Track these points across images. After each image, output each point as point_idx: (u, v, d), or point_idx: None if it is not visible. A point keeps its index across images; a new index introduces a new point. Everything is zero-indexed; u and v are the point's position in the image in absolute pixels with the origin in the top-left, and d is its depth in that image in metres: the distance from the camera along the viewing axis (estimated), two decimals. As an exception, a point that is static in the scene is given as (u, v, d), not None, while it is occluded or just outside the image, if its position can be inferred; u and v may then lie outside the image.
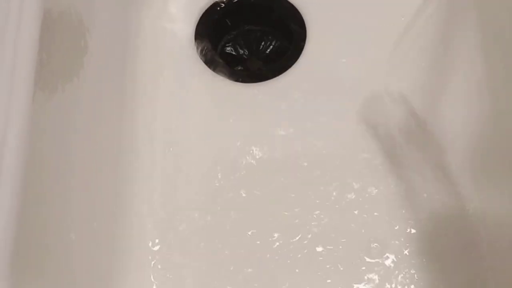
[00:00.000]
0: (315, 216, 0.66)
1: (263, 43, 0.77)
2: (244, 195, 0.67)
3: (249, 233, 0.66)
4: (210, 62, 0.73)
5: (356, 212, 0.66)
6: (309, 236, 0.65)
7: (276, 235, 0.65)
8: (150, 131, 0.69)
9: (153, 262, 0.64)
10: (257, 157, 0.69)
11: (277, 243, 0.65)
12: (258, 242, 0.65)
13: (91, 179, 0.62)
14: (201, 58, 0.73)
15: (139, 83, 0.71)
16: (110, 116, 0.67)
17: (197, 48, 0.74)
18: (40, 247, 0.51)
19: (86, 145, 0.61)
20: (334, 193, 0.67)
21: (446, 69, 0.70)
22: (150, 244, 0.65)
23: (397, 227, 0.65)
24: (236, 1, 0.76)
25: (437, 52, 0.71)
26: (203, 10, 0.76)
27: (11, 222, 0.45)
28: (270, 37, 0.77)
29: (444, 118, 0.68)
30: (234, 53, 0.77)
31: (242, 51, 0.77)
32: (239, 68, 0.76)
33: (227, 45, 0.77)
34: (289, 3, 0.75)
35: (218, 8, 0.76)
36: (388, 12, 0.74)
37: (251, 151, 0.69)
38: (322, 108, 0.71)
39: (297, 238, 0.65)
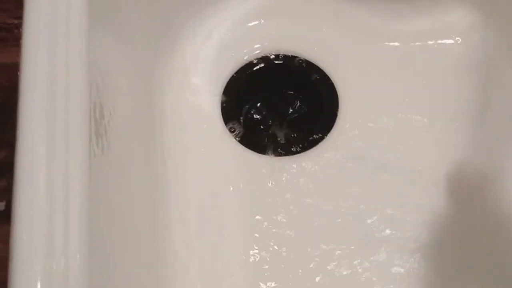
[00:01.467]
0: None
1: (291, 109, 0.74)
2: (282, 266, 0.64)
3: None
4: (236, 132, 0.70)
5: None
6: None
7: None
8: (184, 215, 0.65)
9: None
10: (289, 233, 0.65)
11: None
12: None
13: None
14: (228, 129, 0.70)
15: (168, 165, 0.67)
16: (140, 203, 0.63)
17: (224, 119, 0.70)
18: None
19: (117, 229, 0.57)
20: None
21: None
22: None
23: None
24: (264, 66, 0.73)
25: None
26: (228, 78, 0.72)
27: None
28: (298, 103, 0.74)
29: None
30: (259, 118, 0.73)
31: (268, 117, 0.73)
32: (265, 134, 0.72)
33: (253, 110, 0.74)
34: (320, 69, 0.72)
35: (247, 72, 0.73)
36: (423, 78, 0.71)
37: (282, 225, 0.65)
38: (355, 183, 0.67)
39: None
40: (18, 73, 0.45)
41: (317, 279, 0.63)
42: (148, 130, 0.67)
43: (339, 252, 0.64)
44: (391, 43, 0.73)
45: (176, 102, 0.70)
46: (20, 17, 0.46)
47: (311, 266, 0.64)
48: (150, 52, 0.70)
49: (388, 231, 0.65)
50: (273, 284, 0.63)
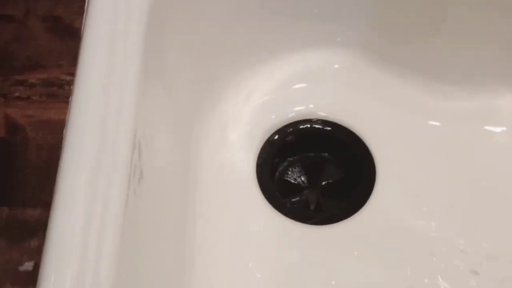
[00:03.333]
0: None
1: (325, 174, 0.72)
2: None
3: None
4: (270, 196, 0.69)
5: None
6: None
7: None
8: (210, 279, 0.64)
9: None
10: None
11: None
12: None
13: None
14: (262, 193, 0.69)
15: (198, 224, 0.66)
16: (167, 259, 0.62)
17: (258, 181, 0.69)
18: None
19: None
20: None
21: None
22: None
23: None
24: (302, 128, 0.72)
25: None
26: (264, 139, 0.72)
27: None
28: (333, 168, 0.73)
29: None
30: (293, 181, 0.72)
31: (301, 181, 0.72)
32: (297, 199, 0.71)
33: (287, 173, 0.73)
34: (357, 136, 0.71)
35: (282, 136, 0.72)
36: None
37: None
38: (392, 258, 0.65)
39: None
40: (64, 131, 0.45)
41: None
42: (181, 186, 0.66)
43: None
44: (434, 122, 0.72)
45: (212, 159, 0.70)
46: (73, 73, 0.46)
47: None
48: (191, 107, 0.69)
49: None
50: None
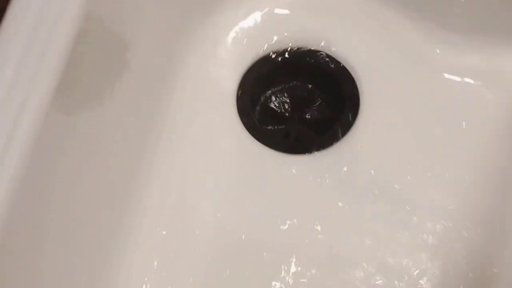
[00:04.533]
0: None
1: (309, 104, 0.70)
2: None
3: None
4: (247, 119, 0.67)
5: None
6: None
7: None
8: (165, 183, 0.63)
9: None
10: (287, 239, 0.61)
11: None
12: None
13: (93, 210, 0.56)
14: (239, 114, 0.67)
15: (167, 126, 0.65)
16: (125, 154, 0.61)
17: (237, 100, 0.68)
18: None
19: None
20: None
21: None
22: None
23: None
24: (289, 56, 0.70)
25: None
26: (254, 60, 0.70)
27: None
28: (317, 98, 0.70)
29: None
30: (276, 109, 0.70)
31: (284, 110, 0.70)
32: (279, 128, 0.69)
33: (270, 100, 0.71)
34: (349, 73, 0.68)
35: (270, 59, 0.69)
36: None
37: (278, 230, 0.62)
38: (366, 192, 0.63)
39: None
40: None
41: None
42: (160, 86, 0.65)
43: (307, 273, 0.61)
44: (432, 70, 0.69)
45: (197, 69, 0.68)
46: None
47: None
48: (185, 14, 0.68)
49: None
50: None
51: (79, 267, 0.55)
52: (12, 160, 0.42)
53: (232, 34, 0.70)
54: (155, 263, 0.60)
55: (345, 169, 0.65)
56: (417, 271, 0.61)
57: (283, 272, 0.60)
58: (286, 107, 0.70)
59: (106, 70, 0.56)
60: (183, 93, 0.66)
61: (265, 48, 0.69)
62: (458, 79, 0.69)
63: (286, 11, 0.70)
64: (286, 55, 0.69)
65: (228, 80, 0.68)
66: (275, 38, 0.69)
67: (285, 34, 0.69)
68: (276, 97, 0.70)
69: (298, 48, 0.70)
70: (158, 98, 0.65)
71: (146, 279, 0.59)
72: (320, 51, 0.70)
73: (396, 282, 0.60)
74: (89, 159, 0.55)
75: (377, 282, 0.60)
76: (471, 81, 0.68)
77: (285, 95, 0.70)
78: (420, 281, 0.60)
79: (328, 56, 0.69)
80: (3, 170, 0.42)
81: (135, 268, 0.59)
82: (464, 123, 0.66)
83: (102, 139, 0.56)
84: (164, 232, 0.61)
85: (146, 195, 0.61)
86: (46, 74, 0.44)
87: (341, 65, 0.68)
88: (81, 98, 0.51)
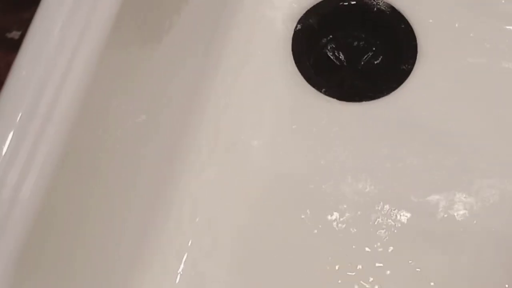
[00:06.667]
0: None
1: (365, 55, 0.69)
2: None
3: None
4: (302, 64, 0.66)
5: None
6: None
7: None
8: (216, 127, 0.63)
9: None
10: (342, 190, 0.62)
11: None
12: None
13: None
14: (294, 58, 0.67)
15: (222, 67, 0.65)
16: (181, 93, 0.62)
17: (292, 44, 0.67)
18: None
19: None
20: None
21: None
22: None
23: None
24: (347, 4, 0.69)
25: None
26: (311, 5, 0.69)
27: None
28: (374, 49, 0.69)
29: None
30: (331, 56, 0.69)
31: (340, 57, 0.69)
32: (333, 75, 0.68)
33: (326, 47, 0.69)
34: (410, 25, 0.66)
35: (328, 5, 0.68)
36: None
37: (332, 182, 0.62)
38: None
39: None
40: None
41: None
42: (213, 27, 0.65)
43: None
44: (495, 21, 0.66)
45: (252, 12, 0.67)
46: None
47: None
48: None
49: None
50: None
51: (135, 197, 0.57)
52: (67, 95, 0.43)
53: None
54: (208, 198, 0.62)
55: (397, 119, 0.64)
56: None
57: (335, 214, 0.61)
58: (342, 54, 0.69)
59: (165, 4, 0.56)
60: (238, 34, 0.66)
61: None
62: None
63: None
64: (345, 2, 0.68)
65: (284, 25, 0.68)
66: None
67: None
68: (332, 44, 0.69)
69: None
70: (213, 39, 0.65)
71: (197, 212, 0.61)
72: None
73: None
74: (146, 98, 0.56)
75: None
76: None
77: (341, 42, 0.69)
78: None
79: (388, 5, 0.67)
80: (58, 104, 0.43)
81: (187, 204, 0.61)
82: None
83: (159, 77, 0.56)
84: (216, 168, 0.62)
85: (201, 133, 0.62)
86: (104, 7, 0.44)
87: (401, 14, 0.67)
88: (139, 34, 0.51)
